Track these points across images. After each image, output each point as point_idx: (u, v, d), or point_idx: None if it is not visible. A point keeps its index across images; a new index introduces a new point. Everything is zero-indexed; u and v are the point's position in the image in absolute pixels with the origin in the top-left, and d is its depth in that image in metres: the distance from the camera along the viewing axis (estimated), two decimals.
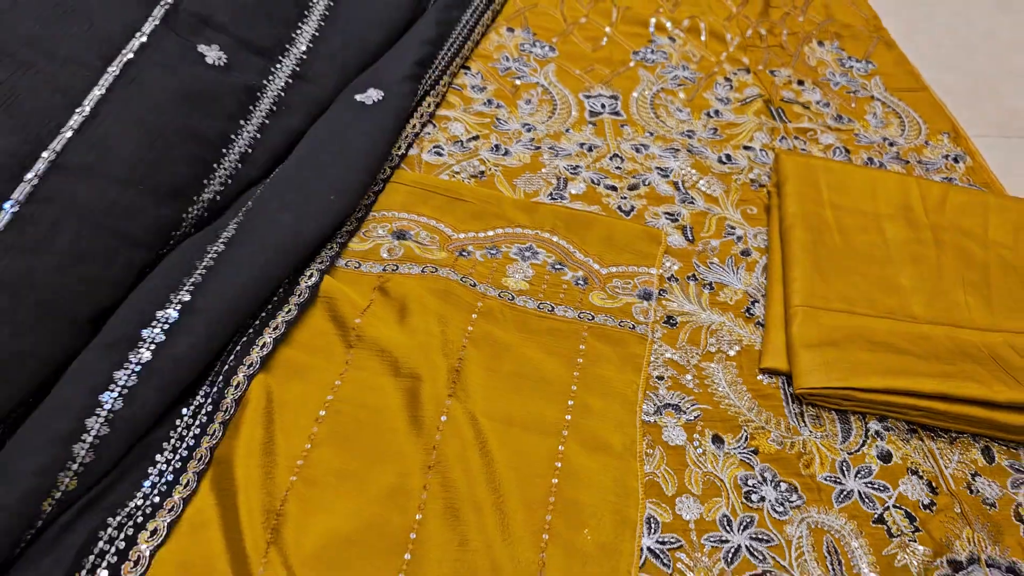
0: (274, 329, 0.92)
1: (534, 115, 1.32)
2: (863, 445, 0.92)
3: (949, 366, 0.94)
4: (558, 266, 1.07)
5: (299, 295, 0.96)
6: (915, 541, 0.84)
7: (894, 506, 0.87)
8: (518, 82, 1.38)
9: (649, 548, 0.82)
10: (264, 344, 0.90)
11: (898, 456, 0.91)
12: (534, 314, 1.01)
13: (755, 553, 0.82)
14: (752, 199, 1.20)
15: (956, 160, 1.31)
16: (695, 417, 0.93)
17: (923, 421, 0.93)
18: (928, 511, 0.87)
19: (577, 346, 0.98)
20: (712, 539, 0.83)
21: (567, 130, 1.29)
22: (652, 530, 0.83)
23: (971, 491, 0.89)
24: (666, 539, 0.82)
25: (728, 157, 1.27)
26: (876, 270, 1.07)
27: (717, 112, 1.36)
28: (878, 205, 1.16)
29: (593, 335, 1.00)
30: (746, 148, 1.29)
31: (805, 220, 1.11)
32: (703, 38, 1.52)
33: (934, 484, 0.89)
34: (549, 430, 0.89)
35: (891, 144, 1.33)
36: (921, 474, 0.90)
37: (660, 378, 0.96)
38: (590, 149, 1.26)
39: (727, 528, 0.84)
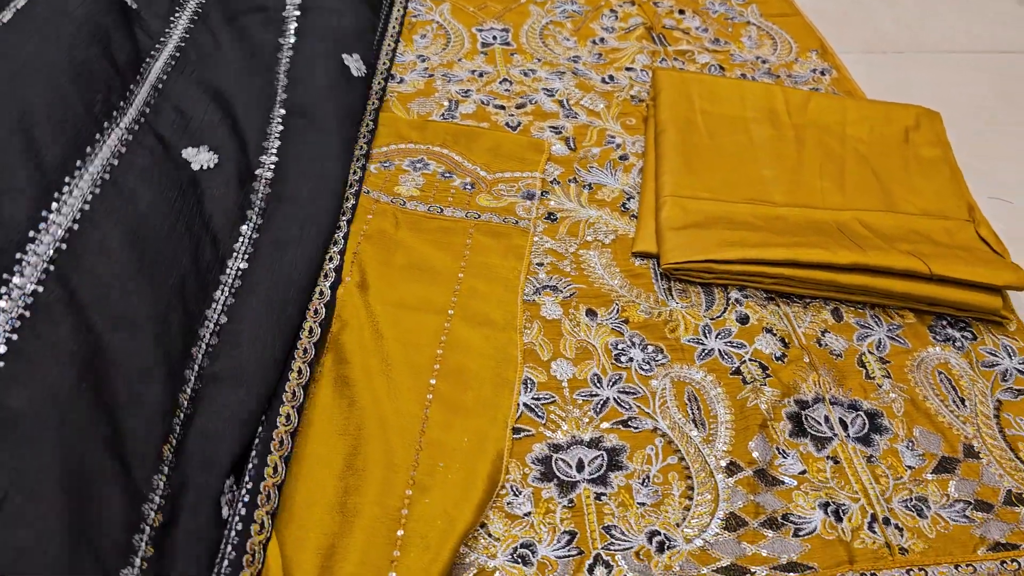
0: None
1: (428, 48, 1.39)
2: (724, 311, 1.01)
3: (799, 238, 1.04)
4: (447, 174, 1.15)
5: None
6: (765, 385, 0.93)
7: (750, 359, 0.96)
8: (414, 19, 1.44)
9: (525, 404, 0.89)
10: None
11: (755, 318, 1.00)
12: (424, 216, 1.08)
13: (622, 403, 0.90)
14: (632, 112, 1.29)
15: (823, 73, 1.41)
16: (571, 295, 1.01)
17: (777, 288, 1.02)
18: (780, 362, 0.96)
19: (464, 240, 1.06)
20: (583, 394, 0.91)
21: (460, 59, 1.37)
22: (529, 389, 0.91)
23: (820, 344, 0.98)
24: (541, 396, 0.90)
25: (611, 78, 1.36)
26: (741, 165, 1.16)
27: (602, 40, 1.44)
28: (745, 110, 1.25)
29: (479, 231, 1.07)
30: (628, 69, 1.38)
31: (676, 124, 1.20)
32: None
33: (787, 340, 0.98)
34: (437, 310, 0.97)
35: (763, 62, 1.43)
36: (775, 332, 0.99)
37: (540, 264, 1.04)
38: (481, 75, 1.34)
39: (597, 384, 0.92)
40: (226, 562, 0.71)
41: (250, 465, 0.78)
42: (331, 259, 0.97)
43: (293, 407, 0.84)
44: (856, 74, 1.42)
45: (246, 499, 0.75)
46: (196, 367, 0.82)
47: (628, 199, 1.14)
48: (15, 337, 0.70)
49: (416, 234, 1.06)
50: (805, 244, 1.01)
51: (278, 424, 0.81)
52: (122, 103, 0.98)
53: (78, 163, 0.87)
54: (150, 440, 0.72)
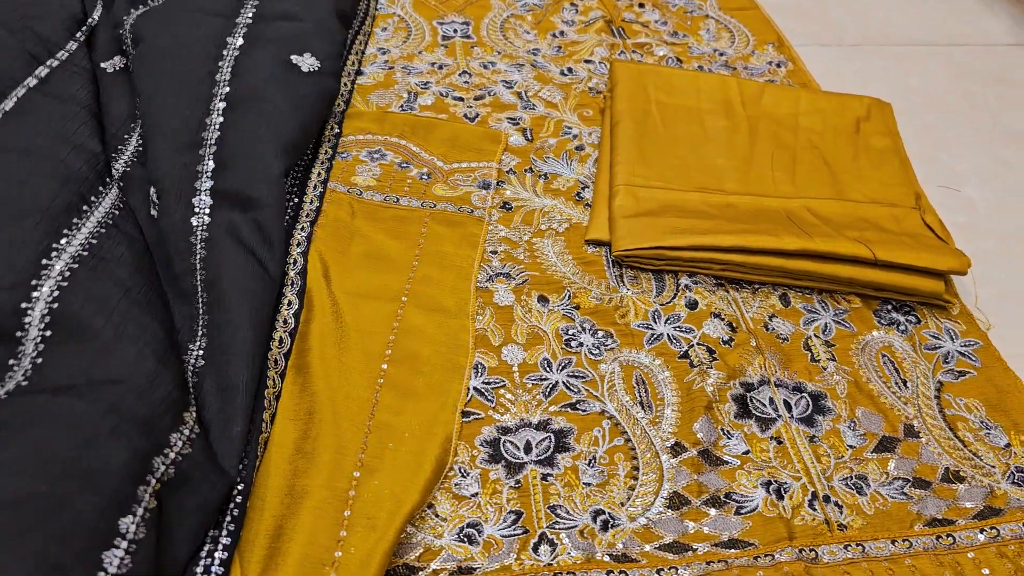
0: None
1: (389, 40, 1.40)
2: (674, 297, 1.02)
3: (749, 225, 1.06)
4: (404, 165, 1.16)
5: None
6: (712, 368, 0.95)
7: (697, 344, 0.98)
8: (376, 13, 1.45)
9: (476, 388, 0.91)
10: None
11: (704, 304, 1.02)
12: (380, 205, 1.10)
13: (571, 387, 0.92)
14: (589, 104, 1.31)
15: (779, 65, 1.44)
16: (523, 282, 1.02)
17: (727, 275, 1.04)
18: (727, 346, 0.98)
19: (420, 229, 1.07)
20: (533, 378, 0.92)
21: (420, 52, 1.38)
22: (479, 373, 0.92)
23: (767, 329, 1.00)
24: (492, 380, 0.92)
25: (570, 70, 1.37)
26: (695, 154, 1.18)
27: (562, 33, 1.46)
28: (700, 102, 1.27)
29: (435, 220, 1.08)
30: (587, 62, 1.39)
31: (632, 115, 1.22)
32: None
33: (734, 324, 1.00)
34: (391, 297, 0.98)
35: (721, 54, 1.45)
36: (723, 317, 1.01)
37: (494, 252, 1.06)
38: (440, 68, 1.35)
39: (547, 369, 0.93)
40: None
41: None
42: (295, 262, 0.98)
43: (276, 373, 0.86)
44: (812, 66, 1.45)
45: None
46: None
47: (583, 188, 1.16)
48: None
49: (372, 223, 1.07)
50: (753, 231, 1.03)
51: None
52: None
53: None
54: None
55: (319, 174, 1.11)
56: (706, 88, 1.29)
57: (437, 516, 0.80)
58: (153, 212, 0.97)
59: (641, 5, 1.54)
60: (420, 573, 0.76)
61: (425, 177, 1.14)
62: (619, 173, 1.13)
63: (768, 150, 1.20)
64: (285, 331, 0.91)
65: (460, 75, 1.33)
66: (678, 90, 1.28)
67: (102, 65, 1.18)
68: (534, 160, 1.19)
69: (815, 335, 1.00)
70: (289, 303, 0.94)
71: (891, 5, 1.68)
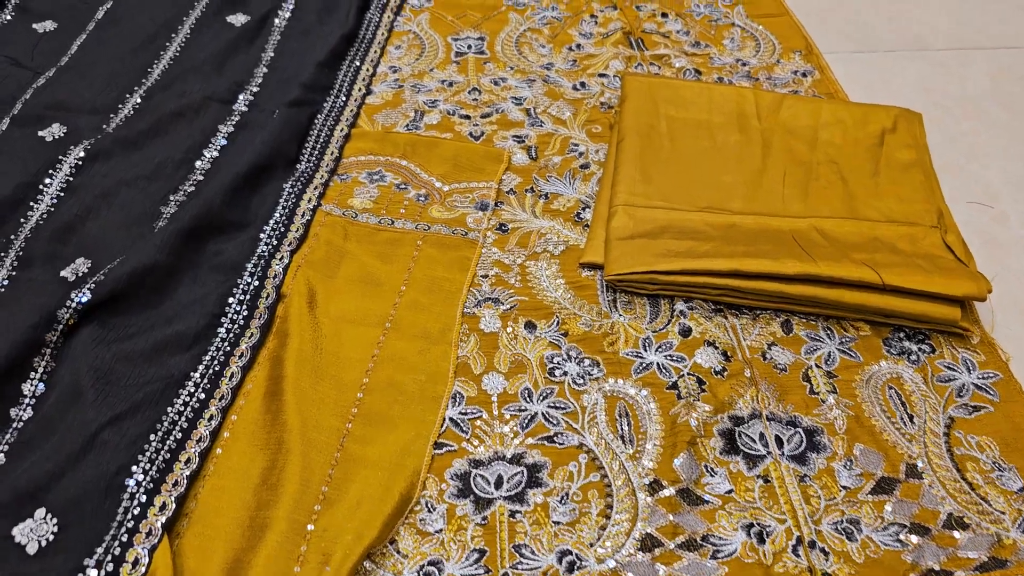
0: None
1: (402, 58, 1.39)
2: (668, 324, 0.98)
3: (748, 247, 1.01)
4: (402, 186, 1.15)
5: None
6: (699, 401, 0.90)
7: (688, 373, 0.93)
8: (392, 30, 1.45)
9: (451, 418, 0.89)
10: None
11: (698, 331, 0.98)
12: (374, 228, 1.09)
13: (550, 419, 0.89)
14: (599, 119, 1.27)
15: (804, 75, 1.37)
16: (511, 307, 1.00)
17: (724, 300, 0.99)
18: (719, 376, 0.93)
19: (411, 252, 1.06)
20: (512, 409, 0.90)
21: (431, 69, 1.37)
22: (457, 403, 0.90)
23: (765, 358, 0.95)
24: (468, 410, 0.90)
25: (583, 84, 1.34)
26: (701, 171, 1.14)
27: (579, 46, 1.43)
28: (712, 115, 1.22)
29: (428, 243, 1.07)
30: (601, 76, 1.36)
31: (637, 130, 1.18)
32: None
33: (729, 353, 0.96)
34: (375, 322, 0.97)
35: (743, 64, 1.39)
36: (717, 345, 0.96)
37: (485, 276, 1.03)
38: (450, 85, 1.33)
39: (527, 399, 0.91)
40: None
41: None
42: (267, 296, 0.98)
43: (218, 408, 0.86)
44: (842, 75, 1.38)
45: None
46: None
47: (583, 208, 1.13)
48: None
49: (364, 246, 1.06)
50: (753, 254, 0.98)
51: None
52: None
53: None
54: None
55: (310, 199, 1.11)
56: (719, 101, 1.24)
57: (398, 553, 0.78)
58: None
59: (664, 15, 1.50)
60: None
61: (422, 199, 1.13)
62: (619, 192, 1.09)
63: (781, 166, 1.15)
64: (237, 366, 0.91)
65: (469, 92, 1.32)
66: (689, 103, 1.24)
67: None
68: (536, 179, 1.17)
69: (816, 365, 0.95)
70: (251, 335, 0.94)
71: (927, 6, 1.58)
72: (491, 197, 1.13)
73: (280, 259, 1.03)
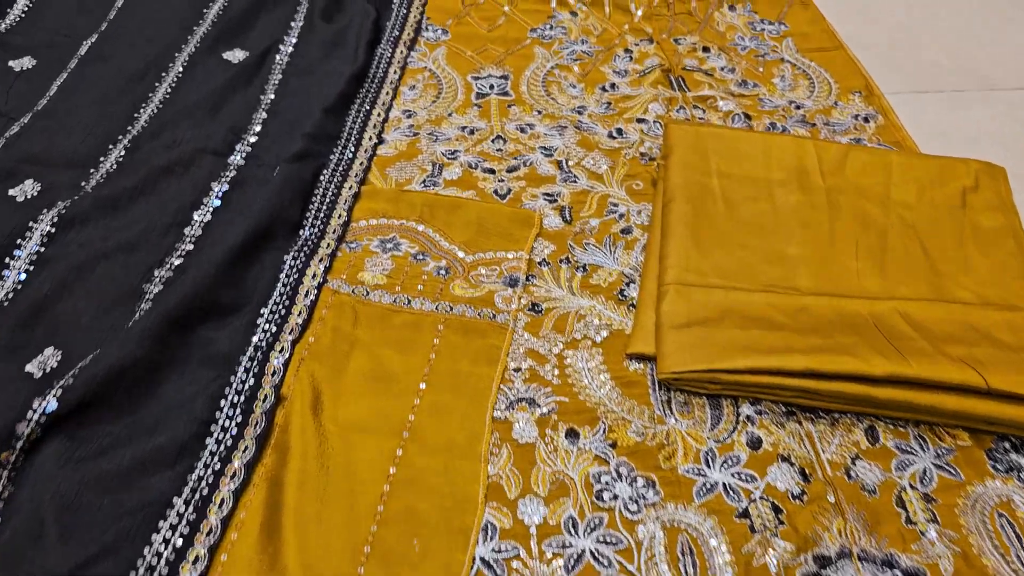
0: None
1: (416, 101, 1.25)
2: (733, 432, 0.84)
3: (825, 339, 0.87)
4: (420, 256, 1.01)
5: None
6: (777, 536, 0.76)
7: (761, 498, 0.79)
8: (407, 66, 1.31)
9: (483, 558, 0.75)
10: None
11: (769, 442, 0.83)
12: (388, 308, 0.95)
13: (600, 558, 0.75)
14: (640, 173, 1.13)
15: (867, 120, 1.23)
16: (550, 410, 0.86)
17: (798, 402, 0.85)
18: (798, 502, 0.79)
19: (431, 340, 0.92)
20: (554, 545, 0.76)
21: (450, 114, 1.22)
22: (489, 537, 0.76)
23: (849, 477, 0.81)
24: (503, 547, 0.75)
25: (619, 131, 1.20)
26: (762, 240, 1.00)
27: (613, 86, 1.28)
28: (770, 171, 1.08)
29: (450, 327, 0.93)
30: (639, 121, 1.22)
31: (687, 191, 1.04)
32: (607, 10, 1.45)
33: (807, 471, 0.81)
34: (391, 431, 0.83)
35: (797, 107, 1.25)
36: (793, 461, 0.82)
37: (518, 370, 0.89)
38: (472, 132, 1.19)
39: (572, 532, 0.77)
40: None
41: None
42: (265, 398, 0.84)
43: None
44: (906, 118, 1.23)
45: None
46: None
47: (627, 284, 0.98)
48: None
49: (377, 332, 0.92)
50: (832, 349, 0.84)
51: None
52: None
53: None
54: None
55: (314, 274, 0.97)
56: (778, 154, 1.10)
57: None
58: None
59: (705, 49, 1.35)
60: None
61: (443, 273, 0.98)
62: (669, 267, 0.95)
63: (852, 233, 1.01)
64: (228, 489, 0.77)
65: (493, 141, 1.18)
66: (744, 157, 1.09)
67: None
68: (572, 247, 1.02)
69: (910, 485, 0.80)
70: (245, 448, 0.80)
71: (993, 43, 1.44)
72: (521, 270, 0.99)
73: (280, 350, 0.89)
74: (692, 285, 0.93)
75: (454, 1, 1.46)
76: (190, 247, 0.99)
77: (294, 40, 1.33)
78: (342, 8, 1.39)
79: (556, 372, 0.89)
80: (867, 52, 1.36)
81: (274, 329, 0.91)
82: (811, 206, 1.04)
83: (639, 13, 1.43)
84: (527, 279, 0.98)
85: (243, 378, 0.86)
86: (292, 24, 1.37)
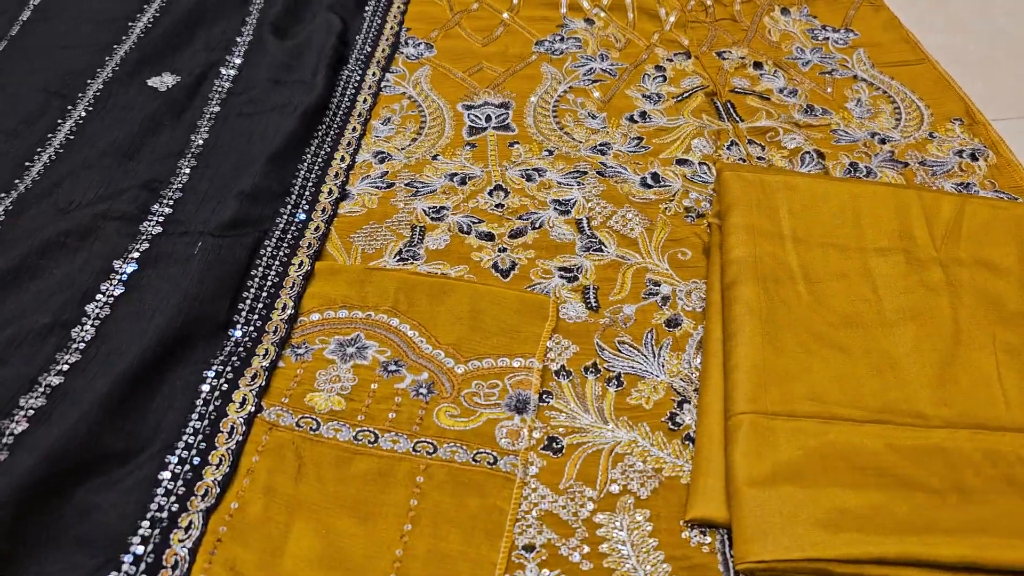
0: None
1: (392, 139, 0.97)
2: None
3: (981, 506, 0.59)
4: (393, 367, 0.73)
5: None
6: None
7: None
8: (380, 93, 1.03)
9: None
10: None
11: None
12: (346, 448, 0.67)
13: None
14: (686, 238, 0.85)
15: (974, 157, 0.95)
16: None
17: None
18: None
19: (407, 499, 0.65)
20: None
21: (435, 157, 0.95)
22: None
23: None
24: None
25: (656, 178, 0.92)
26: (864, 339, 0.72)
27: (644, 115, 1.01)
28: (863, 235, 0.81)
29: (433, 480, 0.66)
30: (680, 163, 0.94)
31: (756, 268, 0.76)
32: (630, 16, 1.17)
33: None
34: None
35: (882, 141, 0.97)
36: None
37: (530, 548, 0.62)
38: (463, 182, 0.92)
39: None
40: None
41: None
42: (174, 566, 0.57)
43: None
44: (1019, 151, 0.96)
45: None
46: None
47: (680, 404, 0.71)
48: None
49: (329, 488, 0.65)
50: (995, 530, 0.57)
51: None
52: None
53: None
54: None
55: (243, 400, 0.69)
56: (870, 211, 0.83)
57: None
58: None
59: (757, 65, 1.08)
60: None
61: (424, 392, 0.71)
62: (739, 387, 0.68)
63: (983, 325, 0.73)
64: None
65: (491, 193, 0.90)
66: (827, 217, 0.82)
67: None
68: (600, 348, 0.75)
69: None
70: None
71: None
72: (532, 386, 0.71)
73: (187, 527, 0.62)
74: (775, 415, 0.66)
75: (441, 8, 1.19)
76: (75, 359, 0.72)
77: (238, 61, 1.06)
78: (299, 19, 1.12)
79: (586, 550, 0.62)
80: (957, 67, 1.08)
81: (181, 490, 0.64)
82: (924, 286, 0.76)
83: (671, 20, 1.15)
84: (541, 399, 0.71)
85: (130, 570, 0.59)
86: (238, 40, 1.10)
